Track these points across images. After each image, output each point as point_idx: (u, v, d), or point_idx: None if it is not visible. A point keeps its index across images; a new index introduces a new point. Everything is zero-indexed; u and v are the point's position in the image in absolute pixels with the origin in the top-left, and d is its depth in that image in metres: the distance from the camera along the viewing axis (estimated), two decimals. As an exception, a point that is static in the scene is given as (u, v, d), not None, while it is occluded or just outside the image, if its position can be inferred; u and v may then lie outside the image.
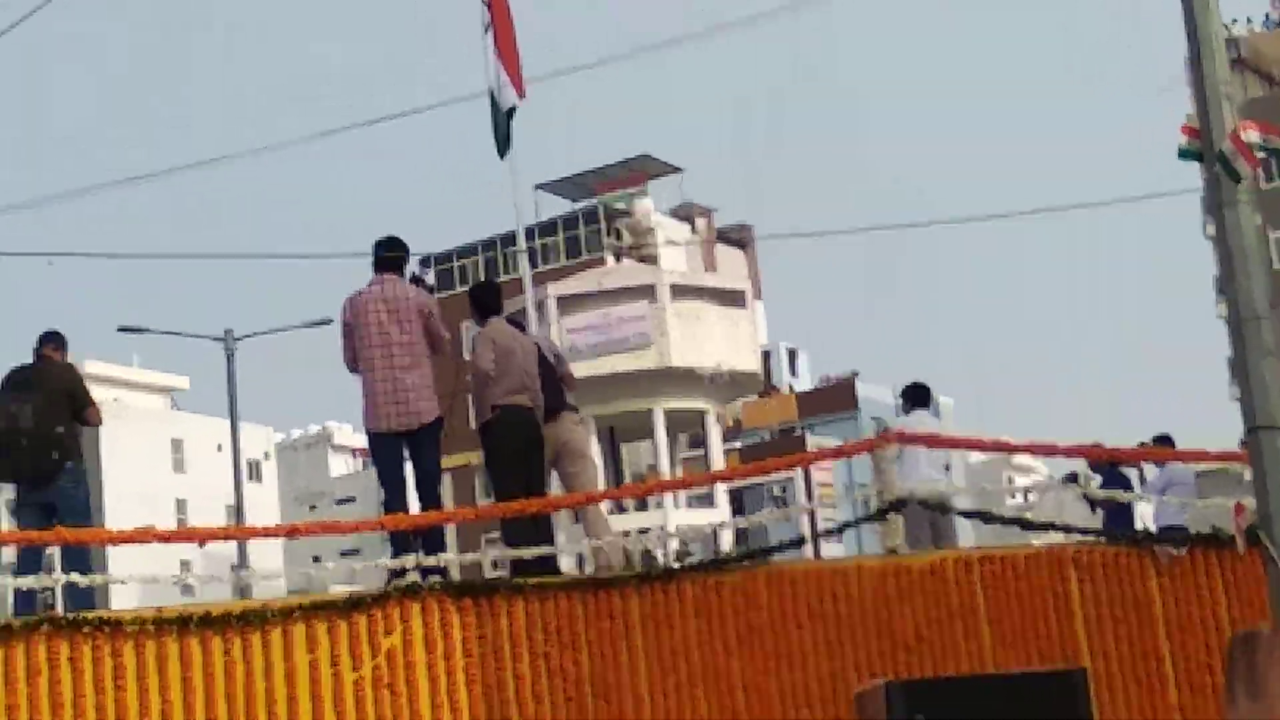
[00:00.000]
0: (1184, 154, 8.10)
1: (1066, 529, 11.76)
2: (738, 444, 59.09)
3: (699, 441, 38.70)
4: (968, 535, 40.87)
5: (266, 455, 67.87)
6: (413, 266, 11.51)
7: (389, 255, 10.93)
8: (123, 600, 10.14)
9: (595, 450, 22.00)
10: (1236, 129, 7.73)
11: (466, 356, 11.84)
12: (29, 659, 8.98)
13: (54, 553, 10.74)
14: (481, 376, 10.99)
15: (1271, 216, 53.31)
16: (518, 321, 12.34)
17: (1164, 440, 15.29)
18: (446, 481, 26.86)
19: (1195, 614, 10.43)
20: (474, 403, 11.14)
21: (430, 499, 10.80)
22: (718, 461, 35.04)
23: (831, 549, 32.52)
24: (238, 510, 31.05)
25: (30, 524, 10.29)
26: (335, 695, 9.37)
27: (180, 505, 59.74)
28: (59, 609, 9.85)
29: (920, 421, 13.38)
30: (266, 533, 11.42)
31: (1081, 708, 9.45)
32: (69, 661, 9.03)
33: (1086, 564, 10.54)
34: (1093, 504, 15.26)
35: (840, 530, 11.88)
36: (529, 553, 10.36)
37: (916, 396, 14.08)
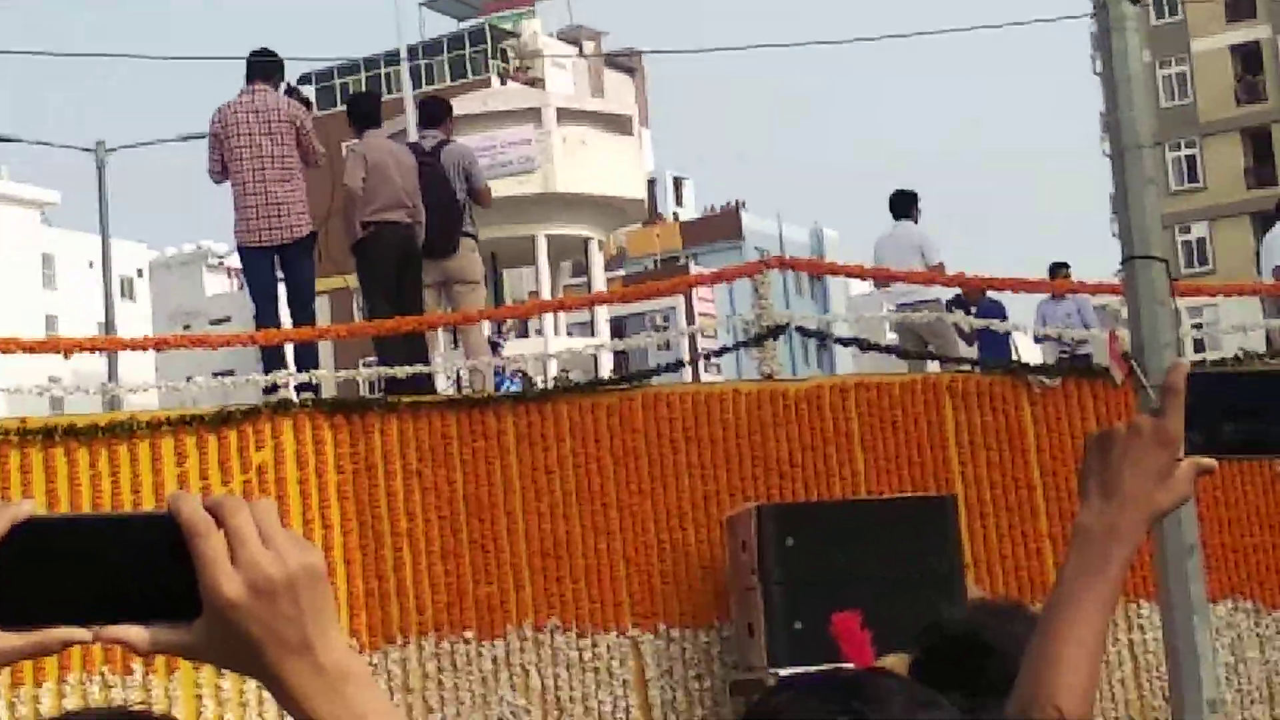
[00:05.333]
0: None
1: (943, 358, 11.81)
2: (621, 272, 59.00)
3: (581, 269, 38.55)
4: (847, 365, 41.29)
5: (140, 273, 66.81)
6: (294, 83, 11.18)
7: (260, 61, 10.62)
8: (-14, 414, 9.92)
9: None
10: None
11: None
12: (-114, 468, 8.79)
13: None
14: (349, 195, 10.69)
15: (1159, 52, 53.67)
16: (439, 139, 11.79)
17: (1060, 267, 15.47)
18: (324, 305, 26.51)
19: (1069, 444, 10.54)
20: (343, 222, 10.87)
21: (303, 314, 10.62)
22: (600, 289, 34.91)
23: (712, 379, 32.63)
24: (108, 326, 30.52)
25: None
26: (204, 509, 9.25)
27: (50, 322, 58.73)
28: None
29: (907, 233, 13.07)
30: (134, 345, 11.22)
31: (950, 532, 9.55)
32: (-73, 471, 8.85)
33: (961, 392, 10.60)
34: (968, 335, 15.37)
35: (720, 353, 11.85)
36: (403, 371, 10.23)
37: (899, 205, 13.50)
